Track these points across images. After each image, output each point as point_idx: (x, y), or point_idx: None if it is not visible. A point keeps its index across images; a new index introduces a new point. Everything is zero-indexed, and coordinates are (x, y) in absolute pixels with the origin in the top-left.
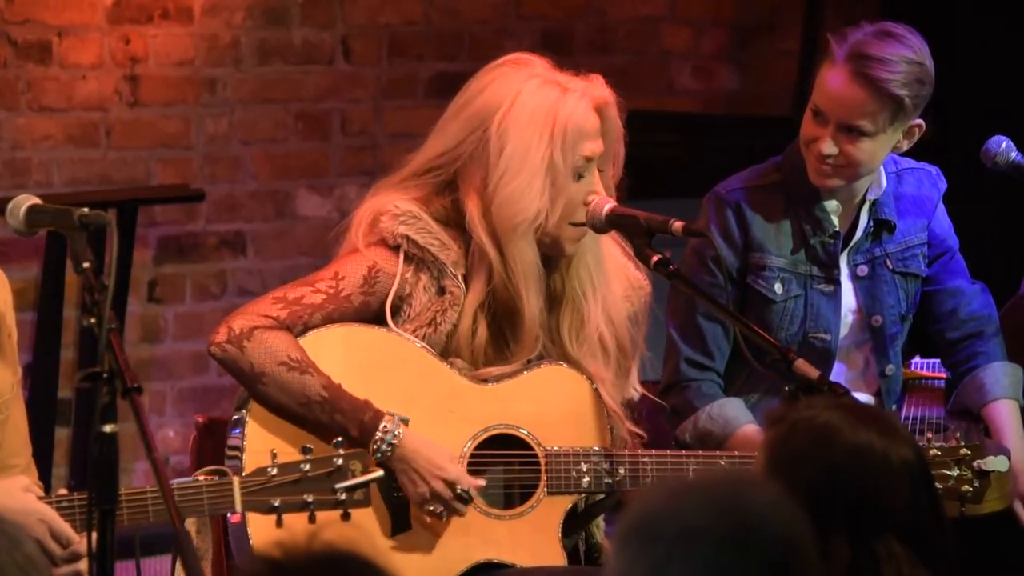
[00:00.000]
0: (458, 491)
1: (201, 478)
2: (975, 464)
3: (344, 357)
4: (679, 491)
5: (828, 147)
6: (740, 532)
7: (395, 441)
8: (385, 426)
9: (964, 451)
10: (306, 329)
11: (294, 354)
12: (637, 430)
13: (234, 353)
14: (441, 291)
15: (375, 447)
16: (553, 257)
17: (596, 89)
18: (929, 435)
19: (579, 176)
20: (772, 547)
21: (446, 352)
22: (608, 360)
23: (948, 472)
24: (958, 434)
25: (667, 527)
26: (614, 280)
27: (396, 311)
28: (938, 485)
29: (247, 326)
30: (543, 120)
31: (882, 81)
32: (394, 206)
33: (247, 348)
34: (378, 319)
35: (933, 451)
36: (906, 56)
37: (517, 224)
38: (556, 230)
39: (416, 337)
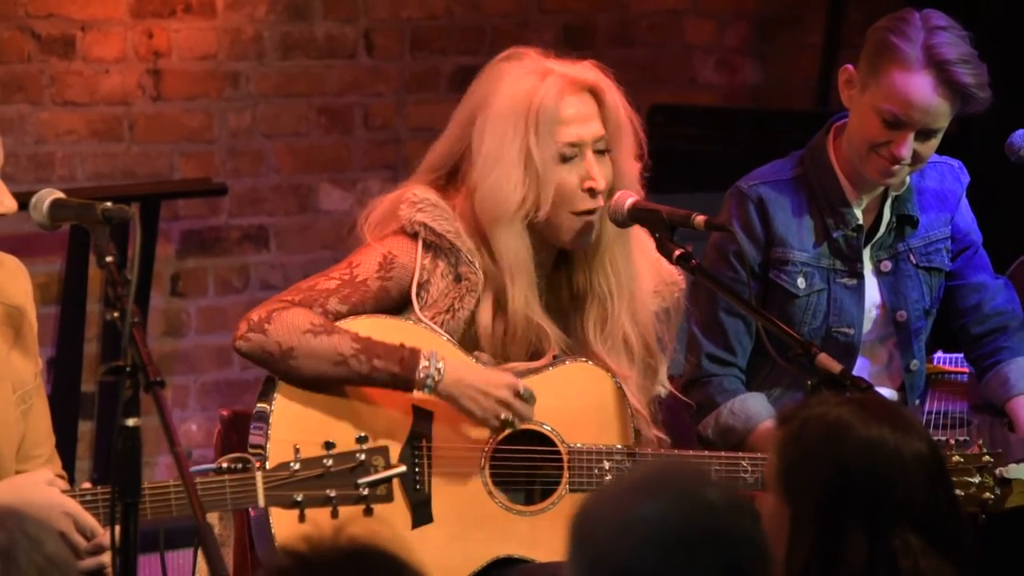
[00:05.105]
0: (520, 392)
1: (224, 464)
2: (997, 471)
3: None
4: (632, 493)
5: (908, 151)
6: (699, 533)
7: (440, 366)
8: (426, 355)
9: (986, 458)
10: (326, 314)
11: (316, 320)
12: (660, 434)
13: (258, 339)
14: (458, 278)
15: (422, 377)
16: (573, 252)
17: (579, 72)
18: (951, 440)
19: (565, 159)
20: (729, 547)
21: (465, 341)
22: (633, 359)
23: (970, 479)
24: (980, 441)
25: (623, 530)
26: (644, 276)
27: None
28: (959, 492)
29: (265, 312)
30: (517, 110)
31: (968, 86)
32: (412, 194)
33: (269, 330)
34: (399, 308)
35: (956, 458)
36: (975, 53)
37: (498, 217)
38: (555, 219)
39: (435, 324)
